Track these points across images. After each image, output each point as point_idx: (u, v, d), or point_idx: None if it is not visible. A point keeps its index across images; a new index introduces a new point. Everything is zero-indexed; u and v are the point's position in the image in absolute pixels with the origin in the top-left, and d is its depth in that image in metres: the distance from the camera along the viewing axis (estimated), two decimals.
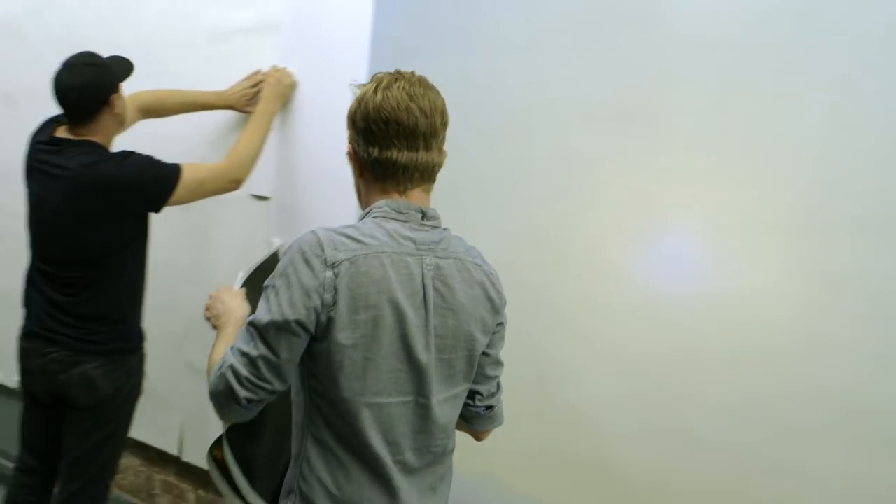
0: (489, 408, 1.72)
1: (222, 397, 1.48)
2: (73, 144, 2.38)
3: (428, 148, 1.54)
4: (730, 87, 1.96)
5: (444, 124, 1.57)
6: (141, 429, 3.08)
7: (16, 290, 3.47)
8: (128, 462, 3.26)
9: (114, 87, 2.41)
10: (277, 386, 1.48)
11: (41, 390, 2.50)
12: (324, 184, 2.54)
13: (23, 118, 3.54)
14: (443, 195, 2.31)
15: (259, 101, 2.58)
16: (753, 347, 1.95)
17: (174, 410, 2.93)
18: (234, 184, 2.44)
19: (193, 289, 2.86)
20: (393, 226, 1.51)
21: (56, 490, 2.58)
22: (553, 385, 2.22)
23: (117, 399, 2.49)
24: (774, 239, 1.93)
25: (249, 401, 1.46)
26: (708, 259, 2.01)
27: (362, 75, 2.42)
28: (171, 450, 3.06)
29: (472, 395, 1.69)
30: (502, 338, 1.71)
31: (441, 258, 1.54)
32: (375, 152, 1.53)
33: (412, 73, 1.58)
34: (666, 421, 2.07)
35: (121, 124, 2.47)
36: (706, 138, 1.99)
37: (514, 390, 2.25)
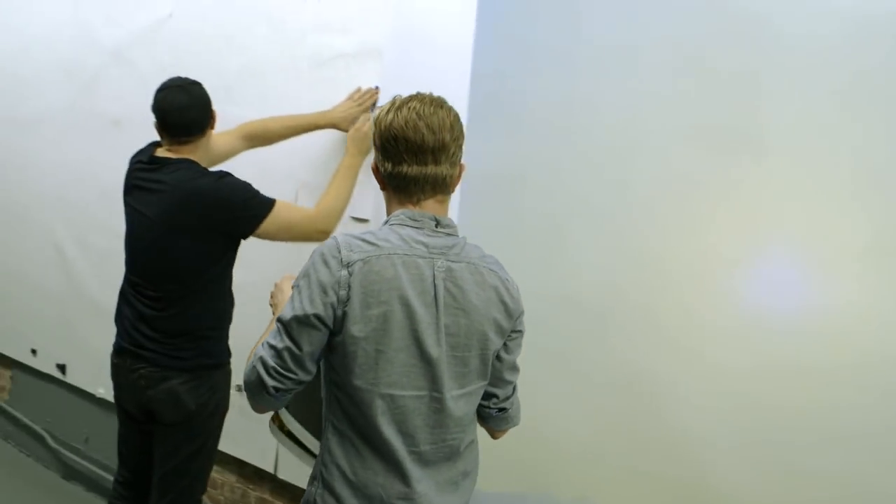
0: (502, 409, 1.83)
1: (254, 386, 1.63)
2: (173, 162, 2.47)
3: (437, 162, 1.66)
4: (838, 107, 1.93)
5: (455, 139, 1.68)
6: (238, 446, 3.15)
7: (104, 299, 3.58)
8: (224, 478, 3.33)
9: (212, 109, 2.53)
10: (302, 376, 1.62)
11: (132, 406, 2.57)
12: None
13: (129, 143, 3.66)
14: (544, 218, 2.35)
15: (345, 153, 2.61)
16: (860, 368, 1.91)
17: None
18: (322, 234, 2.42)
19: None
20: (407, 232, 1.65)
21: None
22: (653, 406, 2.19)
23: (203, 414, 2.53)
24: (882, 260, 1.89)
25: (277, 389, 1.61)
26: (813, 279, 1.97)
27: (463, 101, 2.46)
28: (268, 467, 3.11)
29: (487, 396, 1.79)
30: (519, 345, 1.80)
31: (453, 262, 1.65)
32: (390, 167, 1.67)
33: (429, 94, 1.72)
34: (771, 445, 2.03)
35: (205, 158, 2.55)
36: (813, 158, 1.96)
37: (612, 411, 2.24)
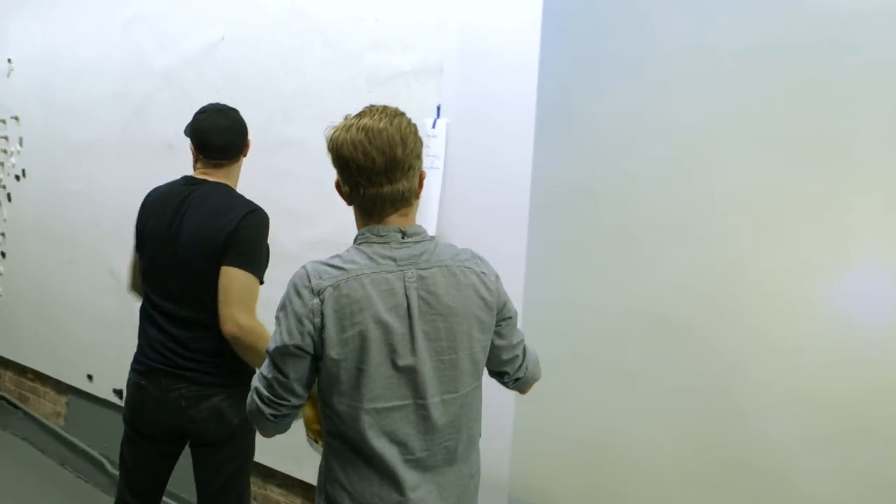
0: (517, 380, 1.93)
1: (254, 415, 1.74)
2: (209, 184, 2.52)
3: (392, 181, 1.67)
4: None
5: (408, 153, 1.67)
6: (301, 468, 3.12)
7: None
8: (289, 501, 3.30)
9: (248, 137, 2.60)
10: (294, 402, 1.70)
11: (161, 427, 2.52)
12: (486, 224, 2.54)
13: (183, 166, 3.69)
14: (616, 232, 2.30)
15: None
16: None
17: None
18: (235, 327, 2.37)
19: None
20: (374, 249, 1.68)
21: None
22: (736, 426, 2.13)
23: (244, 429, 2.52)
24: None
25: (274, 416, 1.71)
26: None
27: (530, 115, 2.43)
28: None
29: (499, 375, 1.91)
30: (513, 328, 1.85)
31: (423, 269, 1.68)
32: (348, 189, 1.71)
33: (381, 107, 1.72)
34: (862, 464, 1.96)
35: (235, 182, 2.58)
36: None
37: (691, 430, 2.19)
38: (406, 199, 1.71)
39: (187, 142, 3.45)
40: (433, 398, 1.67)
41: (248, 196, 2.50)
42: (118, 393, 4.05)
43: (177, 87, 3.71)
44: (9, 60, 5.08)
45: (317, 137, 2.98)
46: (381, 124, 1.67)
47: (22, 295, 4.27)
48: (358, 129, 1.66)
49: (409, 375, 1.65)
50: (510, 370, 1.88)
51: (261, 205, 2.45)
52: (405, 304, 1.64)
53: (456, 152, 2.62)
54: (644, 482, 2.26)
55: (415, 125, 1.73)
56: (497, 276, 1.79)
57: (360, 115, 1.70)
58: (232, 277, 2.37)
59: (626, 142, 2.29)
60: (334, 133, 1.70)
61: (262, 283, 2.43)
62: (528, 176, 2.44)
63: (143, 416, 2.55)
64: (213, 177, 2.53)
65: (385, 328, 1.62)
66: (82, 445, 4.36)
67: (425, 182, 2.19)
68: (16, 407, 5.02)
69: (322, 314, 1.62)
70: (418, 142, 1.72)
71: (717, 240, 2.16)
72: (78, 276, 4.42)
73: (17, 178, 4.89)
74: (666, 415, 2.23)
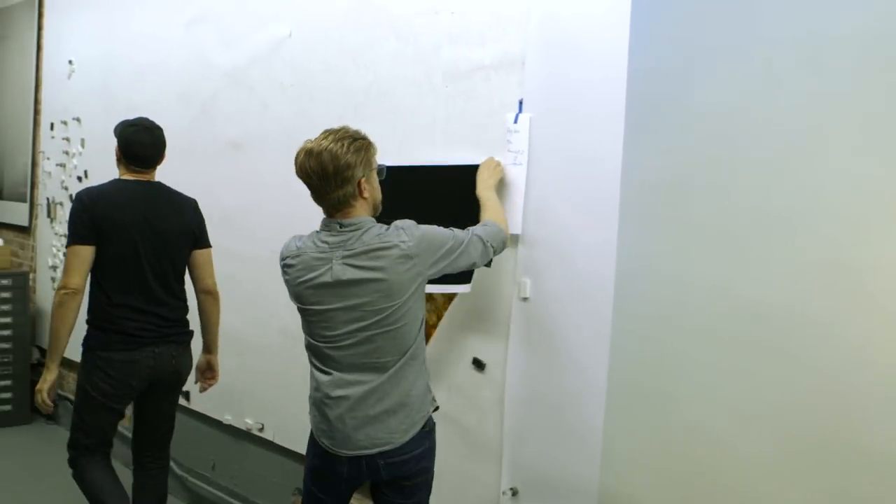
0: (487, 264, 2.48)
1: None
2: (155, 184, 3.18)
3: (329, 192, 2.24)
4: None
5: (340, 168, 2.20)
6: None
7: (243, 332, 3.55)
8: None
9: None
10: None
11: (140, 388, 3.08)
12: (574, 220, 2.45)
13: (249, 164, 3.66)
14: (715, 230, 2.19)
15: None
16: None
17: None
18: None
19: (441, 331, 2.82)
20: (321, 235, 2.30)
21: (153, 454, 3.28)
22: (849, 429, 2.02)
23: None
24: None
25: None
26: None
27: (619, 107, 2.33)
28: None
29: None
30: (445, 255, 2.28)
31: (347, 250, 2.23)
32: (312, 195, 2.30)
33: (336, 130, 2.27)
34: None
35: None
36: None
37: (799, 433, 2.08)
38: (345, 202, 2.25)
39: (253, 141, 3.43)
40: (340, 339, 2.28)
41: None
42: (185, 395, 4.02)
43: (243, 86, 3.67)
44: (70, 62, 5.09)
45: (391, 135, 2.94)
46: (319, 147, 2.21)
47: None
48: (305, 153, 2.24)
49: (325, 318, 2.28)
50: (476, 267, 2.42)
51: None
52: (330, 277, 2.24)
53: (540, 148, 2.53)
54: (748, 491, 2.15)
55: (356, 142, 2.24)
56: (419, 236, 2.24)
57: (308, 141, 2.26)
58: (207, 256, 3.24)
59: (725, 135, 2.19)
60: (296, 156, 2.26)
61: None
62: (617, 171, 2.35)
63: (131, 383, 3.04)
64: (149, 176, 3.16)
65: (318, 293, 2.27)
66: None
67: (509, 179, 2.62)
68: None
69: (287, 275, 2.35)
70: (357, 157, 2.22)
71: (823, 237, 2.04)
72: None
73: (80, 179, 4.89)
74: (770, 418, 2.12)
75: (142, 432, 3.26)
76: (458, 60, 2.75)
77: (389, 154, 2.91)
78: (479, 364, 2.70)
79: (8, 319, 5.25)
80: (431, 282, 2.35)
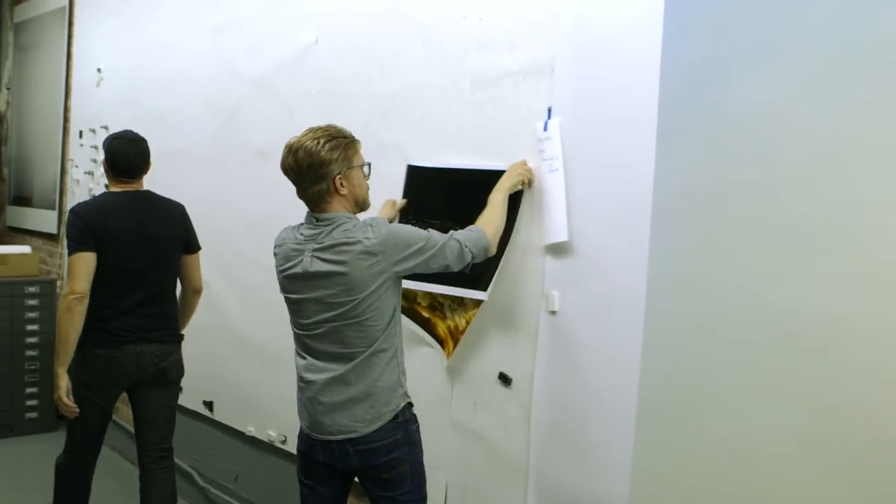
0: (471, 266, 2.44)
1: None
2: (144, 193, 3.31)
3: (305, 188, 2.37)
4: None
5: (314, 165, 2.32)
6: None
7: (266, 343, 3.51)
8: None
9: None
10: None
11: (124, 385, 3.22)
12: (604, 230, 2.37)
13: (276, 173, 3.60)
14: (752, 241, 2.11)
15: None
16: None
17: (439, 470, 2.82)
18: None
19: (466, 343, 2.75)
20: (301, 228, 2.43)
21: (153, 454, 3.33)
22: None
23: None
24: None
25: None
26: None
27: (651, 114, 2.25)
28: None
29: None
30: (422, 257, 2.33)
31: (318, 244, 2.34)
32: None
33: (316, 129, 2.38)
34: None
35: None
36: None
37: (840, 454, 1.98)
38: (321, 198, 2.36)
39: (279, 149, 3.39)
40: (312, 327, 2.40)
41: None
42: (208, 405, 3.99)
43: (269, 94, 3.63)
44: (98, 70, 5.10)
45: (418, 142, 2.88)
46: (298, 144, 2.33)
47: None
48: (286, 149, 2.37)
49: (299, 307, 2.42)
50: (452, 270, 2.40)
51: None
52: (302, 268, 2.36)
53: (571, 155, 2.46)
54: None
55: (333, 139, 2.34)
56: (385, 234, 2.30)
57: (289, 140, 2.38)
58: (197, 260, 3.41)
59: (762, 140, 2.10)
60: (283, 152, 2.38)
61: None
62: (649, 179, 2.25)
63: (113, 379, 3.18)
64: (136, 186, 3.29)
65: (295, 283, 2.40)
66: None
67: (545, 187, 2.52)
68: None
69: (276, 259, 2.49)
70: (332, 154, 2.32)
71: (865, 245, 1.95)
72: None
73: (107, 186, 4.86)
74: (809, 437, 2.03)
75: (140, 433, 3.33)
76: (485, 67, 2.68)
77: (415, 162, 2.86)
78: (505, 379, 2.62)
79: (35, 327, 5.26)
80: (438, 282, 2.57)
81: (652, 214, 2.26)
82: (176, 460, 4.19)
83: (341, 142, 2.35)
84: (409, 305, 2.85)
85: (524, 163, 2.55)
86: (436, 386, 2.85)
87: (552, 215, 2.50)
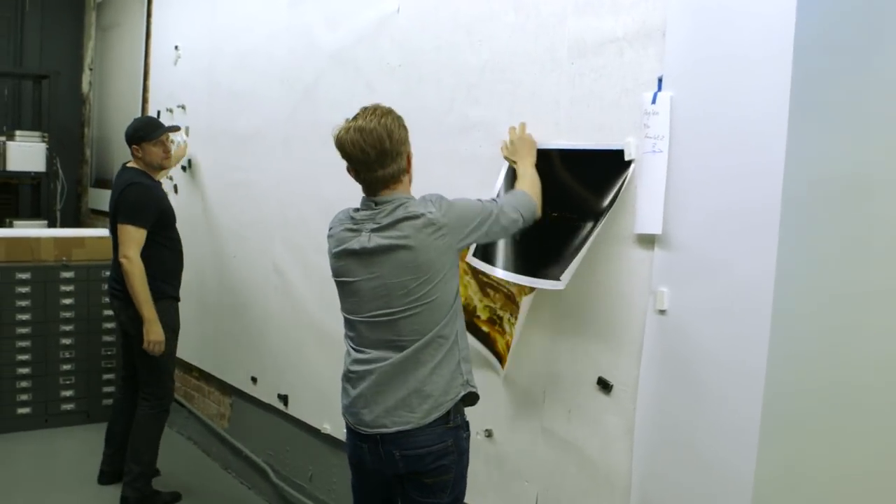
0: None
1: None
2: (122, 169, 3.93)
3: (383, 166, 2.23)
4: None
5: (395, 143, 2.22)
6: (490, 500, 2.74)
7: (328, 325, 3.28)
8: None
9: (136, 139, 3.85)
10: None
11: (118, 325, 4.16)
12: (723, 220, 2.06)
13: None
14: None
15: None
16: None
17: (530, 483, 2.56)
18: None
19: (559, 344, 2.48)
20: (359, 213, 2.30)
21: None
22: None
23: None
24: None
25: None
26: None
27: (783, 86, 1.92)
28: None
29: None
30: (478, 227, 2.26)
31: (375, 224, 2.24)
32: (353, 174, 2.31)
33: (374, 107, 2.25)
34: None
35: (148, 165, 3.89)
36: None
37: None
38: (396, 178, 2.27)
39: None
40: (368, 313, 2.28)
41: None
42: (283, 399, 3.80)
43: (347, 68, 3.40)
44: (175, 48, 4.96)
45: (509, 118, 2.59)
46: (371, 124, 2.19)
47: (189, 290, 4.11)
48: (354, 130, 2.20)
49: (357, 298, 2.29)
50: (504, 237, 2.43)
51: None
52: (360, 249, 2.24)
53: (682, 134, 2.15)
54: None
55: (399, 118, 2.26)
56: (447, 206, 2.23)
57: (355, 118, 2.23)
58: (123, 230, 3.69)
59: None
60: (338, 134, 2.24)
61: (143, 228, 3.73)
62: (780, 163, 1.93)
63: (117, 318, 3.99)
64: (132, 163, 3.89)
65: (348, 265, 2.29)
66: (246, 451, 4.16)
67: (647, 168, 2.24)
68: (181, 405, 4.89)
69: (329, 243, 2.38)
70: (403, 131, 2.25)
71: None
72: (241, 273, 4.22)
73: (184, 168, 4.75)
74: None
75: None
76: (585, 33, 2.39)
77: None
78: (604, 385, 2.34)
79: (110, 311, 5.15)
80: (508, 269, 2.46)
81: (782, 204, 1.94)
82: (248, 453, 4.08)
83: (403, 120, 2.29)
84: (469, 319, 2.64)
85: (524, 127, 2.54)
86: (524, 388, 2.58)
87: (647, 203, 2.23)
